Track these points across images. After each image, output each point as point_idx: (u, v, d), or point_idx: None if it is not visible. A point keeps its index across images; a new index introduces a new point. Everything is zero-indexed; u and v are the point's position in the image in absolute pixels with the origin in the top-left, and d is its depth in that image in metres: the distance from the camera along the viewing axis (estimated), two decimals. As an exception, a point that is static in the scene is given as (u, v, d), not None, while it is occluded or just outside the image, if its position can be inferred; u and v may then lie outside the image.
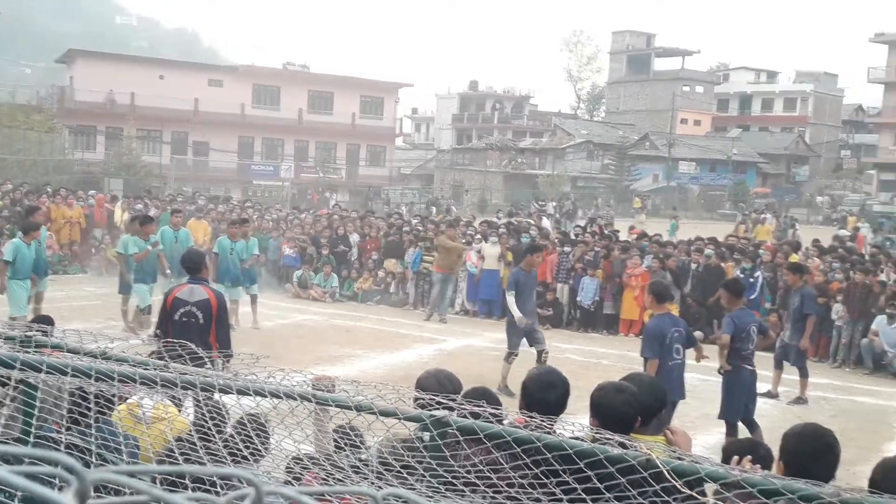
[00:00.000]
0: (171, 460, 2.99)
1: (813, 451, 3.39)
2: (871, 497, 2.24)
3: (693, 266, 16.76)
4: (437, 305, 17.01)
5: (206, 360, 3.37)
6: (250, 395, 3.06)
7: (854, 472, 7.68)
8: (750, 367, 8.61)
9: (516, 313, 11.00)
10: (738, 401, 8.49)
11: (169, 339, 4.08)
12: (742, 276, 15.73)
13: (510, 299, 11.01)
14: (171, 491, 2.23)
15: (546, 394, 3.82)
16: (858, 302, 14.19)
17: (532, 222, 25.76)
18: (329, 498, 2.38)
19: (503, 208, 37.96)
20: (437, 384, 4.03)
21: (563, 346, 14.78)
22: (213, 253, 14.17)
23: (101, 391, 3.25)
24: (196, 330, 7.15)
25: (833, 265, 15.74)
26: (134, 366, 3.21)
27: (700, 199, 61.46)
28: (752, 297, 14.24)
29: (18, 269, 11.78)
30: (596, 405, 3.68)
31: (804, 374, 11.27)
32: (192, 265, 7.98)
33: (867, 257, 17.72)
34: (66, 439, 3.01)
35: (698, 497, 2.42)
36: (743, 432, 8.27)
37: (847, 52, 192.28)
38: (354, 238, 20.69)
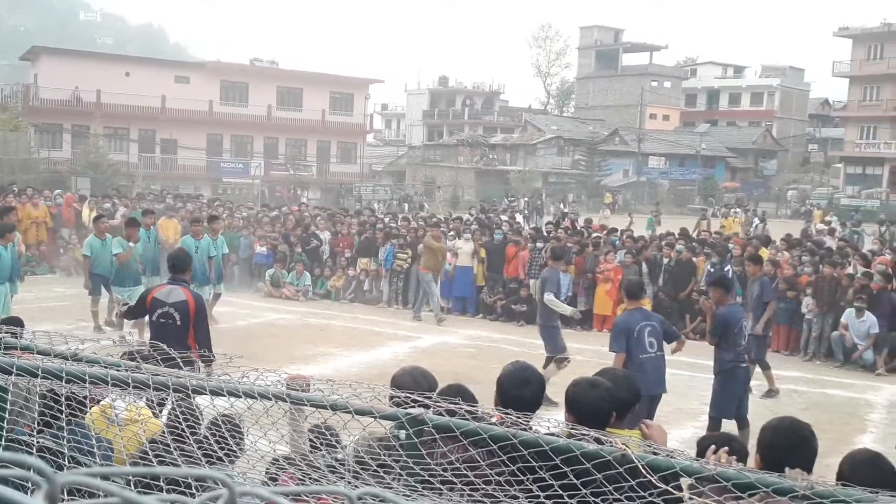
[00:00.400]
0: (144, 462, 2.96)
1: (789, 444, 3.42)
2: (844, 489, 2.27)
3: (665, 261, 16.88)
4: (424, 304, 16.92)
5: (183, 361, 3.33)
6: (224, 396, 3.03)
7: (827, 464, 7.75)
8: (744, 364, 8.73)
9: (566, 308, 10.97)
10: (732, 398, 8.55)
11: (146, 341, 4.06)
12: (712, 269, 15.90)
13: (552, 298, 10.74)
14: (145, 493, 2.20)
15: (521, 390, 3.82)
16: (827, 295, 14.36)
17: (505, 218, 25.82)
18: (305, 498, 2.37)
19: (475, 204, 38.00)
20: (413, 381, 4.01)
21: (538, 342, 14.81)
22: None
23: (73, 393, 3.21)
24: (173, 331, 7.03)
25: (802, 258, 15.91)
26: (105, 367, 3.17)
27: (670, 194, 61.91)
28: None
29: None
30: (571, 401, 3.68)
31: (765, 367, 11.34)
32: (177, 265, 7.77)
33: (835, 250, 17.93)
34: (37, 442, 2.97)
35: (674, 491, 2.43)
36: (728, 428, 8.33)
37: (812, 46, 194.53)
38: (326, 236, 20.61)
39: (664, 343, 8.04)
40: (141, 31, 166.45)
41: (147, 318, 7.61)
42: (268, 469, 2.96)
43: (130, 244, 13.12)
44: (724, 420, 8.51)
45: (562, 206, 45.90)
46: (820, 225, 31.53)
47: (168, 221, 17.95)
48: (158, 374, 3.20)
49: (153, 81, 49.38)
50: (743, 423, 8.44)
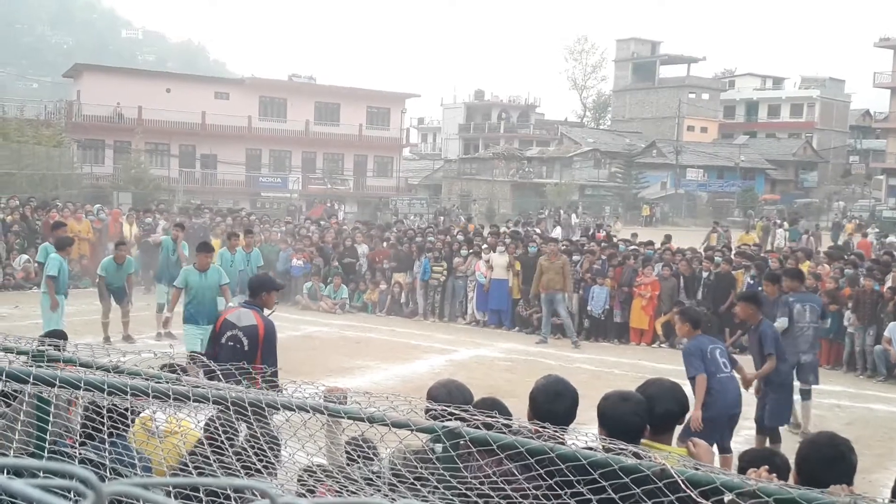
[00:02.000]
0: (185, 473, 2.99)
1: (827, 459, 3.36)
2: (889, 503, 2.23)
3: (704, 274, 16.71)
4: (558, 328, 16.36)
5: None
6: (263, 409, 3.06)
7: (870, 480, 7.64)
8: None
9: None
10: (786, 405, 8.69)
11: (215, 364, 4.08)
12: (752, 282, 15.71)
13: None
14: (187, 505, 2.22)
15: (554, 404, 3.79)
16: (868, 308, 14.12)
17: (538, 231, 25.78)
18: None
19: (511, 217, 37.95)
20: (448, 394, 4.02)
21: (574, 355, 14.75)
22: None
23: (115, 405, 3.25)
24: (241, 357, 6.50)
25: (845, 271, 15.66)
26: (146, 379, 3.21)
27: (709, 207, 61.31)
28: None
29: (60, 284, 12.41)
30: (601, 415, 3.65)
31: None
32: (254, 287, 7.51)
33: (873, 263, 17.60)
34: (80, 454, 3.01)
35: (714, 507, 2.40)
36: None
37: (852, 56, 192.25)
38: (363, 249, 20.72)
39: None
40: (181, 47, 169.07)
41: (214, 339, 7.26)
42: (304, 481, 2.97)
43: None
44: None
45: (574, 216, 44.50)
46: (855, 237, 31.06)
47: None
48: (199, 387, 3.24)
49: (193, 97, 50.08)
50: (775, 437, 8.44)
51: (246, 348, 6.89)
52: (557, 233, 29.80)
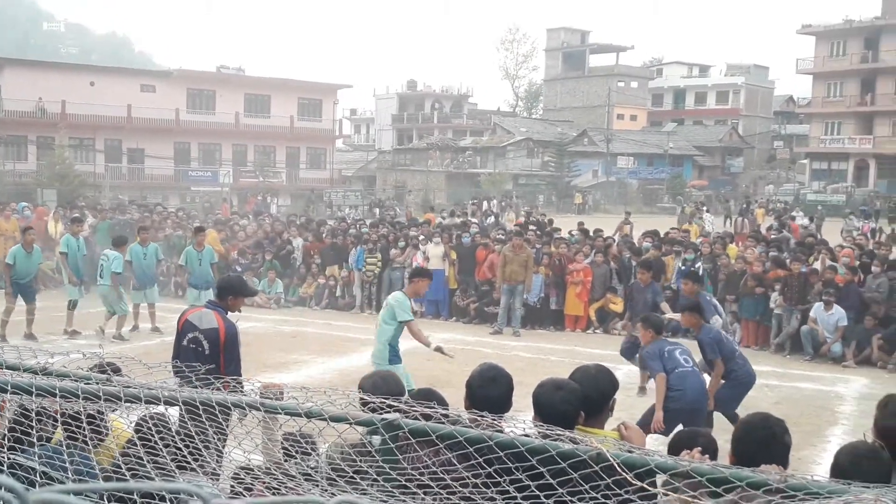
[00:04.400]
0: (118, 476, 2.93)
1: (761, 440, 3.44)
2: (816, 481, 2.30)
3: (633, 263, 16.98)
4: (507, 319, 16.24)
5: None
6: (197, 407, 3.01)
7: (799, 457, 7.88)
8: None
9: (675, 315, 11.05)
10: (732, 397, 8.76)
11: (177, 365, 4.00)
12: (683, 266, 16.03)
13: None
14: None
15: (487, 389, 3.83)
16: (795, 290, 14.54)
17: (475, 220, 25.87)
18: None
19: (446, 208, 38.01)
20: (372, 386, 4.07)
21: (511, 343, 14.86)
22: (127, 261, 14.81)
23: (44, 408, 3.16)
24: (203, 360, 6.26)
25: (769, 254, 16.09)
26: (76, 381, 3.14)
27: (639, 194, 62.34)
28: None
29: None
30: (536, 403, 3.68)
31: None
32: (220, 288, 7.19)
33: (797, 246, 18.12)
34: (8, 459, 2.92)
35: (649, 488, 2.45)
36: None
37: (776, 44, 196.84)
38: (298, 242, 20.53)
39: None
40: (105, 40, 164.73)
41: (176, 340, 6.92)
42: (241, 479, 2.94)
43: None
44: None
45: (492, 205, 43.98)
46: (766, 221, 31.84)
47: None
48: (130, 387, 3.17)
49: (118, 90, 48.88)
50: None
51: (207, 352, 6.63)
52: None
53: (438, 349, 8.64)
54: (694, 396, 7.62)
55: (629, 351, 10.63)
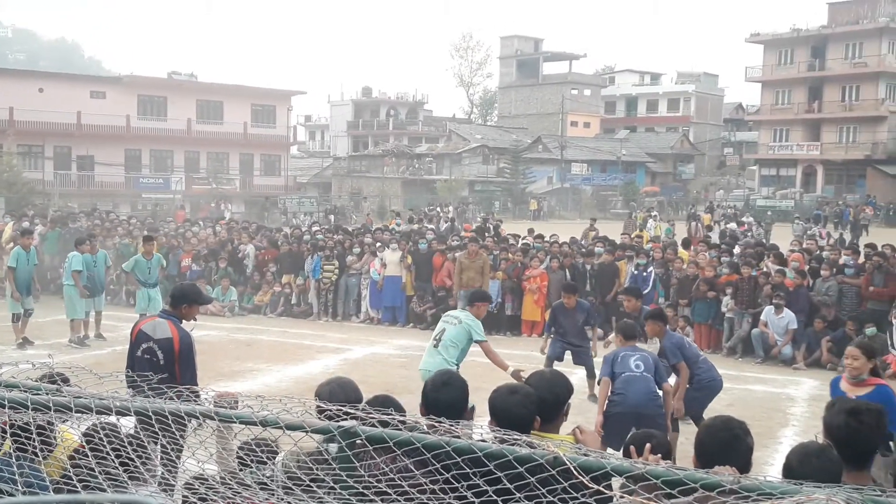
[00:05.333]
0: (69, 487, 2.87)
1: (723, 442, 3.47)
2: (769, 482, 2.33)
3: (587, 267, 17.14)
4: None
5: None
6: (150, 416, 2.96)
7: (752, 458, 7.98)
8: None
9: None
10: (698, 402, 8.86)
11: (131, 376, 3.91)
12: (636, 271, 16.20)
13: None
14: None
15: (440, 393, 3.84)
16: (746, 294, 14.78)
17: (430, 227, 25.91)
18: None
19: (403, 214, 37.98)
20: (329, 393, 4.04)
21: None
22: (76, 270, 14.74)
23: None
24: (158, 370, 6.12)
25: (722, 259, 16.32)
26: (25, 391, 3.07)
27: (593, 200, 62.90)
28: (646, 291, 14.67)
29: None
30: (492, 407, 3.70)
31: (591, 375, 11.22)
32: (174, 296, 6.94)
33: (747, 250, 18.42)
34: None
35: (605, 491, 2.46)
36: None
37: (725, 52, 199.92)
38: (250, 250, 20.35)
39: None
40: (54, 45, 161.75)
41: (130, 351, 6.78)
42: (195, 489, 2.90)
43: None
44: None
45: (447, 211, 43.96)
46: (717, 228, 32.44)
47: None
48: (81, 397, 3.11)
49: (68, 97, 48.04)
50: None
51: (162, 362, 6.48)
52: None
53: (516, 374, 8.24)
54: (636, 400, 7.50)
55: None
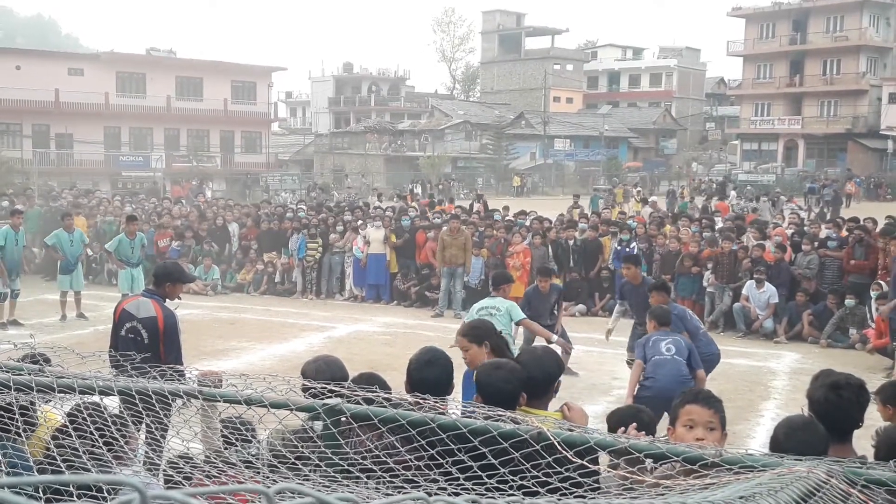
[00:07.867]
0: (52, 466, 2.86)
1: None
2: (750, 455, 2.36)
3: (570, 242, 17.16)
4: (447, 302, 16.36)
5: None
6: (134, 396, 2.95)
7: (734, 431, 8.06)
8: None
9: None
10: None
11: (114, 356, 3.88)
12: (619, 247, 16.27)
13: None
14: (56, 499, 2.13)
15: (424, 372, 3.87)
16: (727, 268, 14.87)
17: (414, 204, 25.87)
18: (223, 496, 2.32)
19: (385, 191, 37.89)
20: (315, 371, 4.06)
21: (453, 326, 14.88)
22: (51, 246, 15.22)
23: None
24: (143, 350, 5.88)
25: (703, 234, 16.40)
26: (6, 371, 3.05)
27: (576, 176, 62.95)
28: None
29: None
30: (478, 383, 3.73)
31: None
32: (157, 275, 6.88)
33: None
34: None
35: (589, 465, 2.48)
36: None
37: (707, 26, 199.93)
38: (234, 228, 20.25)
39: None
40: (31, 22, 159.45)
41: (113, 330, 6.72)
42: (180, 468, 2.89)
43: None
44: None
45: (424, 187, 43.90)
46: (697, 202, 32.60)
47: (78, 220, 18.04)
48: (63, 377, 3.10)
49: (45, 74, 47.42)
50: None
51: (146, 341, 6.42)
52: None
53: (561, 342, 8.56)
54: (665, 384, 7.45)
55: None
